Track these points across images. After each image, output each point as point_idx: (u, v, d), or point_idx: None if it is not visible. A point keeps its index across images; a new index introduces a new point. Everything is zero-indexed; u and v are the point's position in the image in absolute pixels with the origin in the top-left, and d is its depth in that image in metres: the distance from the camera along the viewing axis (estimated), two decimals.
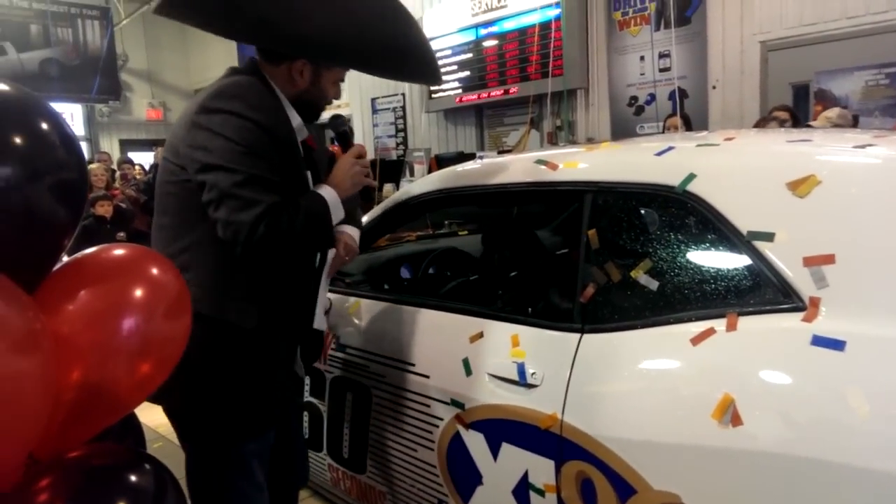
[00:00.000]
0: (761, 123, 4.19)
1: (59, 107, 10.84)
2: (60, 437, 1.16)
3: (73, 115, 11.52)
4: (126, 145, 11.83)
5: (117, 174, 7.67)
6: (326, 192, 1.57)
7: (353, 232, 1.77)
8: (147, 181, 6.88)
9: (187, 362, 1.31)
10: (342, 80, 1.67)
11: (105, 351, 1.15)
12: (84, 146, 10.83)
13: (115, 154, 10.68)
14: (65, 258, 1.25)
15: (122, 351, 1.17)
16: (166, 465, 1.26)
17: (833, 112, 3.97)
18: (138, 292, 1.20)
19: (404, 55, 1.61)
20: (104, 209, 5.71)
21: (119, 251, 1.28)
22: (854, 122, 4.05)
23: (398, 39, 1.56)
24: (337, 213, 1.58)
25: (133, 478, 1.17)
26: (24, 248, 1.10)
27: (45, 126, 1.13)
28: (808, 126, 3.81)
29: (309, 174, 1.64)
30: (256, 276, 1.55)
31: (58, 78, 10.62)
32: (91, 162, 7.18)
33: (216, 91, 1.47)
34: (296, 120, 1.58)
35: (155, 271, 1.25)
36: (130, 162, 8.17)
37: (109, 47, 11.22)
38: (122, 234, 5.67)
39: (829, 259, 1.21)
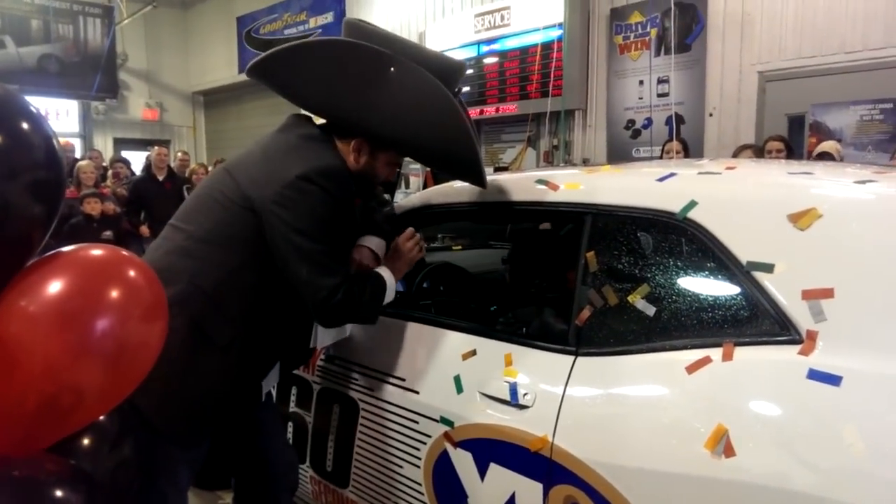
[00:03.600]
0: (737, 153, 4.28)
1: (56, 103, 10.87)
2: (27, 439, 1.13)
3: (68, 111, 11.46)
4: (120, 144, 11.76)
5: (109, 172, 7.60)
6: (387, 275, 1.77)
7: (378, 243, 1.88)
8: (136, 182, 6.78)
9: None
10: (397, 164, 1.82)
11: (74, 352, 1.11)
12: (78, 143, 10.77)
13: (109, 152, 10.62)
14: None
15: (90, 353, 1.13)
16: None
17: (838, 144, 4.18)
18: (111, 294, 1.16)
19: (449, 159, 1.78)
20: (91, 207, 5.65)
21: (95, 251, 1.24)
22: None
23: (448, 146, 1.70)
24: (390, 294, 1.77)
25: (56, 494, 1.10)
26: None
27: (21, 124, 1.11)
28: (824, 154, 3.94)
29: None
30: (248, 303, 1.64)
31: (56, 74, 10.56)
32: (83, 159, 7.11)
33: (321, 168, 1.62)
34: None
35: (131, 274, 1.21)
36: (124, 161, 8.11)
37: (111, 46, 11.19)
38: (108, 233, 5.60)
39: (828, 293, 1.21)
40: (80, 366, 1.12)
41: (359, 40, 1.67)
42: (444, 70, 1.71)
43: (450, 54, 7.41)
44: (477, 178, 1.79)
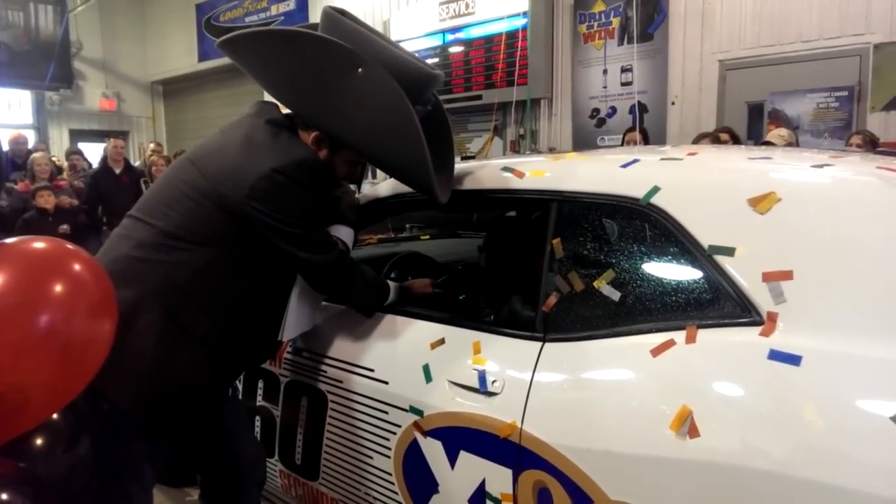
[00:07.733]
0: (696, 140, 4.38)
1: (8, 93, 10.48)
2: None
3: (21, 102, 11.08)
4: (76, 135, 11.41)
5: (65, 165, 7.39)
6: (392, 285, 1.89)
7: (347, 232, 1.86)
8: (93, 175, 6.60)
9: (130, 337, 1.45)
10: (359, 164, 1.80)
11: (16, 350, 1.07)
12: (31, 135, 10.42)
13: (65, 144, 10.31)
14: None
15: (34, 351, 1.09)
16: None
17: (785, 131, 4.18)
18: (55, 289, 1.12)
19: (402, 172, 1.79)
20: (44, 200, 5.48)
21: (38, 244, 1.19)
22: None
23: (400, 161, 1.69)
24: (389, 296, 1.88)
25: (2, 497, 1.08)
26: None
27: None
28: (767, 143, 3.99)
29: None
30: (223, 296, 1.63)
31: (7, 63, 10.19)
32: (35, 151, 6.88)
33: (293, 161, 1.60)
34: None
35: (76, 268, 1.17)
36: (80, 153, 7.88)
37: (64, 34, 10.83)
38: (65, 227, 5.45)
39: (788, 275, 1.24)
40: (23, 364, 1.08)
41: (332, 35, 1.62)
42: (416, 79, 1.66)
43: (416, 43, 7.38)
44: (429, 194, 1.74)
